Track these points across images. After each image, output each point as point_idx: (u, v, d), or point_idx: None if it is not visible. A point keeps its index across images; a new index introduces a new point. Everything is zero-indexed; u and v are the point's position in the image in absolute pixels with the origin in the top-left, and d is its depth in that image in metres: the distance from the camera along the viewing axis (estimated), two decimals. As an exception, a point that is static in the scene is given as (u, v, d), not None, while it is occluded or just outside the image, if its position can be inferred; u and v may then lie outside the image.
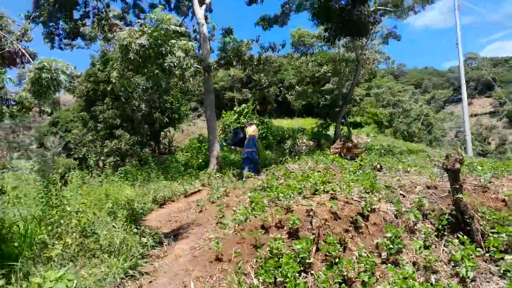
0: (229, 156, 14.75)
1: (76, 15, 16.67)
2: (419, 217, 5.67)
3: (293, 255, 4.70)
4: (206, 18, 13.83)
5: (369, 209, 5.76)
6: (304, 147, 15.74)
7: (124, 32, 8.87)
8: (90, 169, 17.70)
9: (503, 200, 5.82)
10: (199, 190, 10.98)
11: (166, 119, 18.78)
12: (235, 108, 23.63)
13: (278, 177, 9.18)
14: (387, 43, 21.15)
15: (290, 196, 6.27)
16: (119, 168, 14.90)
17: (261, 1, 18.14)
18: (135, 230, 6.04)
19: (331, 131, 22.77)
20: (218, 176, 11.76)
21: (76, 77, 25.68)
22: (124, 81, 10.65)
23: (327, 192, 6.52)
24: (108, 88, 21.56)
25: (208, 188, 11.25)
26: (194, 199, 10.11)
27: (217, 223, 7.14)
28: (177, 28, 9.58)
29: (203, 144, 17.10)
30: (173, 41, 9.73)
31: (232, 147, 15.93)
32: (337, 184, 6.42)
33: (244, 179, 11.70)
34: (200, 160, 14.10)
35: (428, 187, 6.62)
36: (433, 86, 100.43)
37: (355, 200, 6.15)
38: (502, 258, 4.81)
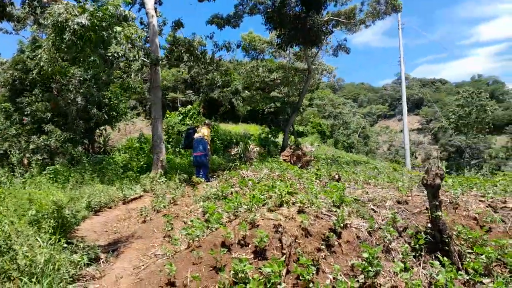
0: (174, 160, 13.64)
1: (3, -9, 14.55)
2: (395, 234, 5.25)
3: (262, 280, 3.98)
4: (155, 10, 12.71)
5: (341, 225, 5.22)
6: (253, 153, 15.11)
7: (60, 6, 7.51)
8: (12, 167, 15.57)
9: (475, 218, 5.60)
10: (140, 196, 9.83)
11: (104, 115, 17.08)
12: (180, 109, 22.44)
13: (233, 185, 8.42)
14: (337, 55, 21.36)
15: (253, 208, 5.54)
16: (47, 167, 13.24)
17: (214, -1, 17.38)
18: (64, 244, 4.93)
19: (279, 139, 22.49)
20: (162, 181, 10.68)
21: (1, 63, 22.80)
22: (55, 66, 9.11)
23: (293, 204, 5.91)
24: (38, 78, 19.35)
25: (151, 194, 10.14)
26: (135, 206, 8.98)
27: (164, 237, 6.22)
28: (126, 12, 8.42)
29: (144, 145, 15.77)
30: (118, 28, 8.57)
31: (183, 150, 14.82)
32: (305, 196, 5.79)
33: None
34: (142, 163, 12.80)
35: (399, 202, 6.28)
36: (368, 101, 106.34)
37: (324, 214, 5.59)
38: (482, 282, 4.50)
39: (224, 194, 7.54)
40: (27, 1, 15.76)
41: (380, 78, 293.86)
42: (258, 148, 17.64)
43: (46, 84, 19.44)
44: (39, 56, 19.07)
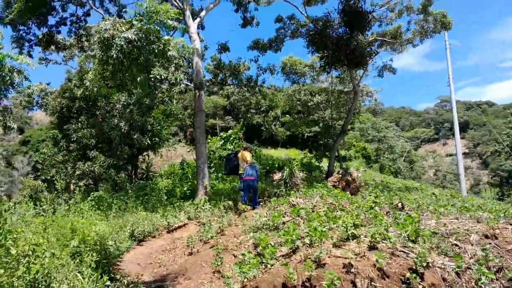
0: (217, 185, 13.16)
1: (51, 21, 15.14)
2: (490, 277, 4.31)
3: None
4: (198, 34, 12.62)
5: (423, 264, 4.35)
6: (298, 178, 14.35)
7: (107, 22, 7.34)
8: (58, 193, 15.76)
9: None
10: (185, 224, 9.32)
11: (148, 140, 17.05)
12: (221, 134, 22.24)
13: (284, 213, 7.71)
14: (382, 76, 20.42)
15: (316, 243, 4.81)
16: (91, 193, 13.19)
17: (257, 24, 17.24)
18: (107, 282, 4.42)
19: (322, 163, 21.59)
20: (207, 208, 10.15)
21: (50, 93, 23.77)
22: (101, 85, 8.96)
23: (358, 238, 5.11)
24: (84, 105, 19.88)
25: (195, 222, 9.61)
26: (179, 236, 8.47)
27: (214, 272, 5.57)
28: (174, 23, 8.15)
29: (186, 170, 15.49)
30: (166, 37, 8.34)
31: (225, 175, 14.37)
32: (376, 229, 4.97)
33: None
34: (185, 189, 12.41)
35: (486, 236, 5.30)
36: (410, 125, 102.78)
37: (400, 251, 4.75)
38: None
39: (275, 224, 6.85)
40: (73, 29, 16.36)
41: (420, 101, 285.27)
42: (302, 174, 16.88)
43: (92, 111, 19.93)
44: (85, 90, 19.80)
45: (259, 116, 47.26)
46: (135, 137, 15.14)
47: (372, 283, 4.08)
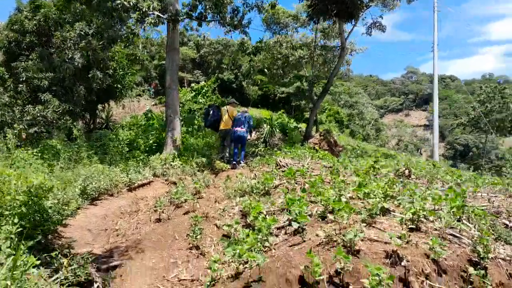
0: (188, 139, 11.56)
1: None
2: None
3: None
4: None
5: (488, 255, 3.17)
6: (277, 139, 13.06)
7: None
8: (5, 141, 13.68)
9: None
10: (150, 182, 7.82)
11: (108, 80, 14.59)
12: (192, 85, 20.29)
13: (276, 175, 6.36)
14: (371, 34, 18.98)
15: (342, 219, 3.50)
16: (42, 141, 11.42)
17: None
18: (36, 260, 2.93)
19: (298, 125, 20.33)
20: (177, 165, 8.66)
21: (-4, 26, 20.48)
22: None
23: (390, 213, 3.87)
24: (36, 40, 17.18)
25: (162, 180, 8.13)
26: (143, 195, 7.00)
27: (191, 248, 4.21)
28: None
29: (153, 122, 13.69)
30: None
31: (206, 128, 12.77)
32: (417, 203, 3.70)
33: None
34: (151, 141, 10.71)
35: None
36: (376, 93, 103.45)
37: (450, 235, 3.55)
38: None
39: (266, 188, 5.51)
40: None
41: (388, 71, 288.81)
42: (279, 134, 15.60)
43: (45, 47, 17.30)
44: (39, 22, 16.96)
45: (230, 72, 45.14)
46: (92, 72, 12.66)
47: (428, 279, 2.86)
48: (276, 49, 19.31)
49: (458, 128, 50.78)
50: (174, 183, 7.78)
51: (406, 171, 6.92)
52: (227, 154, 9.63)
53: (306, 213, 3.95)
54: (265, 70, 21.26)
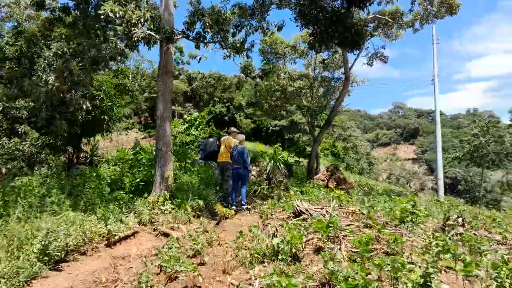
0: (181, 176, 10.06)
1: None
2: None
3: None
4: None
5: None
6: (281, 175, 11.63)
7: None
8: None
9: None
10: (134, 233, 6.24)
11: (86, 102, 12.85)
12: (185, 116, 18.98)
13: (305, 231, 4.87)
14: (371, 64, 18.16)
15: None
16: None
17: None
18: None
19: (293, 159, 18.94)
20: (167, 209, 7.13)
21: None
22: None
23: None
24: (17, 68, 15.83)
25: (149, 229, 6.56)
26: (124, 252, 5.43)
27: None
28: None
29: (141, 156, 12.15)
30: None
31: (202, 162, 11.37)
32: None
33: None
34: (137, 179, 9.15)
35: None
36: (364, 128, 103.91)
37: None
38: None
39: (294, 250, 4.03)
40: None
41: (375, 106, 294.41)
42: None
43: (27, 76, 15.94)
44: (21, 48, 15.66)
45: (222, 105, 44.22)
46: (67, 96, 10.78)
47: None
48: (274, 80, 18.26)
49: (453, 161, 50.00)
50: (164, 234, 6.24)
51: (460, 219, 5.51)
52: (229, 191, 8.41)
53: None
54: (263, 101, 20.05)
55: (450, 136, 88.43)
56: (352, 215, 5.90)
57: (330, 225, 4.47)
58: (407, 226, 5.45)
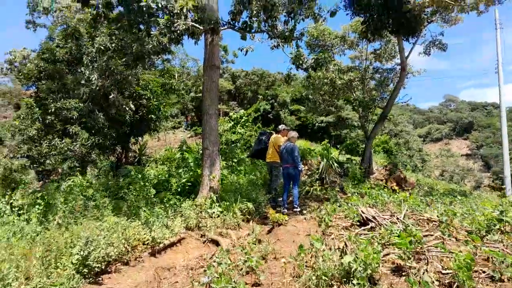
0: (228, 177, 9.54)
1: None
2: None
3: None
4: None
5: None
6: (335, 174, 10.74)
7: None
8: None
9: None
10: (180, 240, 5.75)
11: (130, 105, 12.51)
12: (230, 114, 18.54)
13: (383, 245, 4.09)
14: (429, 53, 16.66)
15: None
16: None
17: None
18: None
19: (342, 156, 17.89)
20: (215, 213, 6.60)
21: (23, 57, 19.94)
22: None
23: None
24: (67, 69, 16.11)
25: (197, 234, 6.05)
26: (171, 261, 4.94)
27: None
28: None
29: (188, 156, 11.80)
30: None
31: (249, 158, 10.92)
32: None
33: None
34: (183, 180, 8.74)
35: None
36: (413, 123, 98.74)
37: None
38: None
39: (370, 270, 3.26)
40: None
41: (425, 100, 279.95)
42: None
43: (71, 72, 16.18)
44: (71, 50, 15.91)
45: (266, 103, 43.61)
46: (111, 96, 10.42)
47: None
48: (323, 73, 17.29)
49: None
50: (213, 241, 5.70)
51: None
52: (277, 191, 7.88)
53: None
54: (310, 97, 19.13)
55: (509, 130, 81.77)
56: (428, 223, 5.00)
57: (410, 235, 3.65)
58: (501, 239, 4.49)
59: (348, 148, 24.66)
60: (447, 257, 3.55)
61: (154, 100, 18.04)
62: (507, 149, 21.14)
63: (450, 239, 4.24)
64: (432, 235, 4.45)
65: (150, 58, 8.03)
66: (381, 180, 11.15)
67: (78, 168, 16.86)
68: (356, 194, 8.30)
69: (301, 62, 7.81)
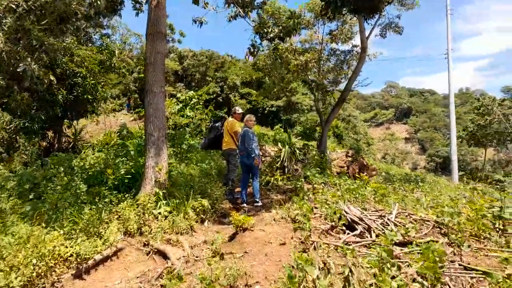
0: (177, 167, 8.24)
1: None
2: None
3: None
4: None
5: None
6: (294, 162, 9.87)
7: None
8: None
9: None
10: (116, 251, 4.48)
11: (51, 77, 10.36)
12: (178, 95, 16.95)
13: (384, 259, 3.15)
14: (385, 36, 16.32)
15: None
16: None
17: None
18: None
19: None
20: (163, 214, 5.37)
21: None
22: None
23: None
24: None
25: (138, 243, 4.80)
26: (103, 285, 3.69)
27: None
28: None
29: (128, 142, 10.25)
30: None
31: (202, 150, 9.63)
32: None
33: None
34: (122, 171, 7.24)
35: None
36: (356, 107, 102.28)
37: None
38: None
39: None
40: None
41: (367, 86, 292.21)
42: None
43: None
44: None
45: (215, 85, 42.09)
46: (21, 64, 8.04)
47: None
48: (276, 53, 16.28)
49: (460, 141, 48.99)
50: (159, 253, 4.51)
51: None
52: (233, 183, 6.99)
53: None
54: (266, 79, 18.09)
55: (443, 115, 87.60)
56: (422, 224, 4.20)
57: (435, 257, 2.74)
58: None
59: (305, 133, 24.11)
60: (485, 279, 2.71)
61: (91, 79, 16.02)
62: (455, 134, 21.76)
63: (464, 252, 3.43)
64: (435, 240, 3.63)
65: (78, 21, 6.41)
66: (342, 167, 10.49)
67: (3, 155, 14.62)
68: (323, 184, 7.46)
69: (266, 31, 6.68)
